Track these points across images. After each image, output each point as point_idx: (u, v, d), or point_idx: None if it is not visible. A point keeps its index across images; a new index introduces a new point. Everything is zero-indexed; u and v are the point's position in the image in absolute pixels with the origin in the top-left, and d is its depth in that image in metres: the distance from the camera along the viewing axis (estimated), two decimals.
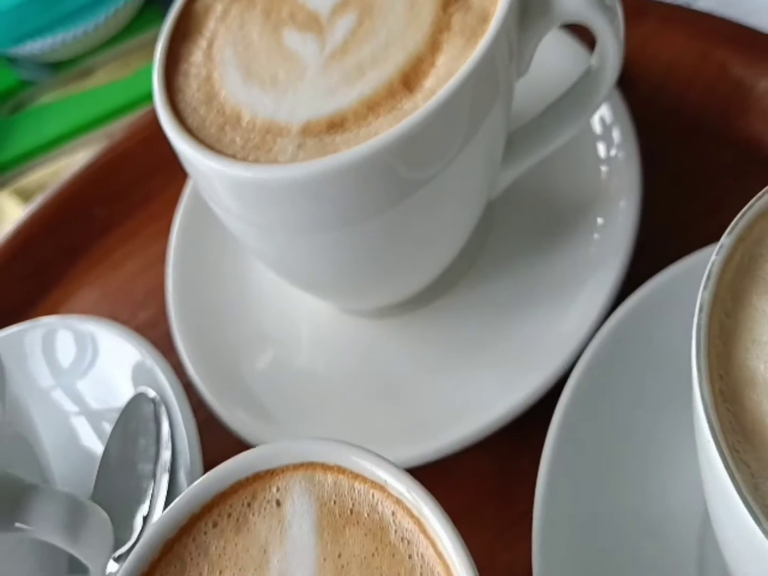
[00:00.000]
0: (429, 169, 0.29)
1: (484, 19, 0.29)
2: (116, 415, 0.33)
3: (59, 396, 0.36)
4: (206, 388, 0.36)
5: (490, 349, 0.34)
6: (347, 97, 0.29)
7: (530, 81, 0.33)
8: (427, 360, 0.35)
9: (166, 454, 0.31)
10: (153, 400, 0.33)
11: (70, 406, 0.36)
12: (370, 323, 0.37)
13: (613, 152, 0.36)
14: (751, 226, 0.23)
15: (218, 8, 0.33)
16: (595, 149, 0.37)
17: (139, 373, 0.34)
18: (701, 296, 0.22)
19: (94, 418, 0.35)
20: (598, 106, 0.33)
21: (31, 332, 0.37)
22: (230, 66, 0.31)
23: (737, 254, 0.23)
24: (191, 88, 0.31)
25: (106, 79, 0.55)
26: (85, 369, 0.35)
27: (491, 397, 0.32)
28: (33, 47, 0.53)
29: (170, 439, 0.32)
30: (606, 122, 0.37)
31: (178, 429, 0.32)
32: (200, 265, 0.39)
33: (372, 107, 0.28)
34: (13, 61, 0.56)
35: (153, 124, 0.34)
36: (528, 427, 0.31)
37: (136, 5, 0.55)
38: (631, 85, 0.39)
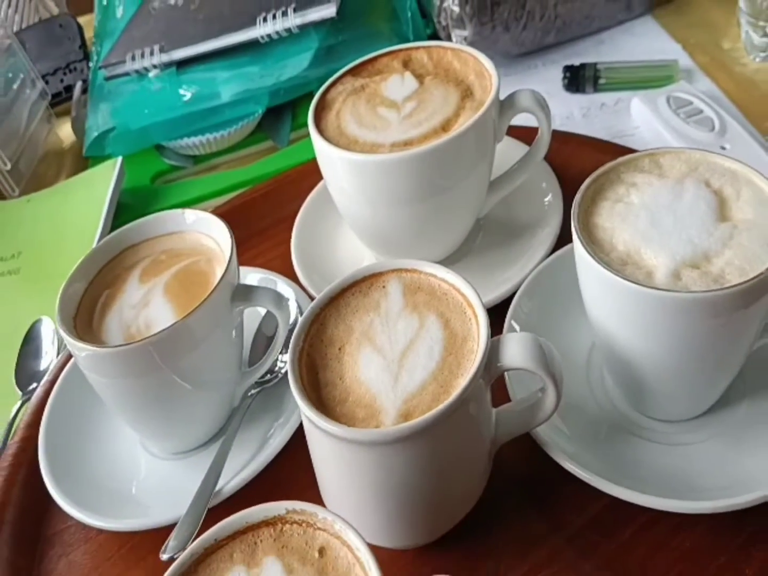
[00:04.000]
0: (452, 178, 0.58)
1: (481, 104, 0.58)
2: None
3: None
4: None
5: None
6: (413, 133, 0.57)
7: (502, 159, 0.63)
8: None
9: None
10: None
11: None
12: None
13: (544, 185, 0.65)
14: (595, 179, 0.50)
15: (339, 101, 0.63)
16: (539, 188, 0.66)
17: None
18: (575, 202, 0.49)
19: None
20: (538, 163, 0.62)
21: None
22: (351, 122, 0.60)
23: (589, 191, 0.50)
24: (328, 127, 0.60)
25: (226, 170, 0.85)
26: None
27: None
28: (183, 143, 0.83)
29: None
30: (543, 174, 0.66)
31: None
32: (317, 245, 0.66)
33: (427, 137, 0.57)
34: (160, 150, 0.86)
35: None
36: None
37: (251, 126, 0.86)
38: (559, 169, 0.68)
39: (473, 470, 0.45)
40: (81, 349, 0.46)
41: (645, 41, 0.91)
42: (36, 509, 0.52)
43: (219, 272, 0.49)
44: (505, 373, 0.50)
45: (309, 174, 0.71)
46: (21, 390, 0.60)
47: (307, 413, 0.41)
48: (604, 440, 0.49)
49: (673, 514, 0.44)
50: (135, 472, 0.53)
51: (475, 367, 0.41)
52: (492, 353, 0.43)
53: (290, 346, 0.44)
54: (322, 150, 0.58)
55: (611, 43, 0.93)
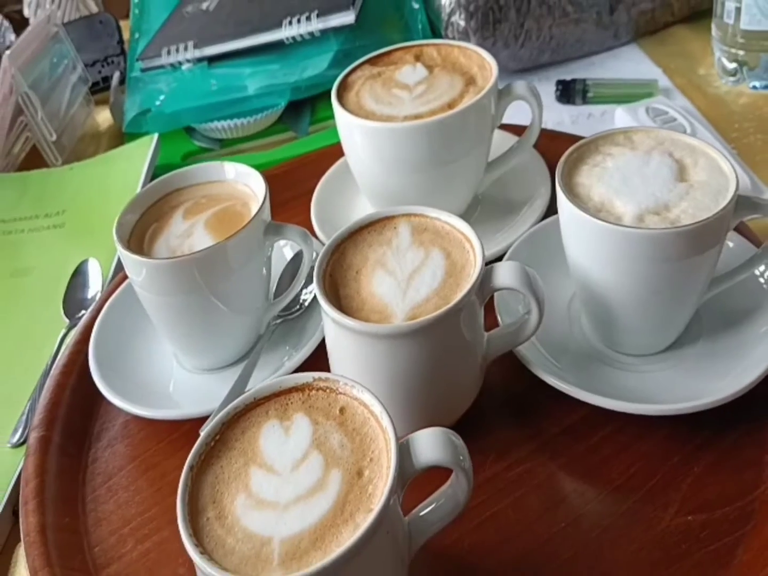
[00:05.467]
0: (455, 151, 0.67)
1: (482, 89, 0.68)
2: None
3: None
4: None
5: None
6: (423, 109, 0.66)
7: (498, 149, 0.72)
8: None
9: None
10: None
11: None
12: None
13: (535, 170, 0.74)
14: (576, 148, 0.59)
15: (358, 83, 0.72)
16: (530, 172, 0.75)
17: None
18: (560, 165, 0.58)
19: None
20: (530, 146, 0.72)
21: None
22: (369, 99, 0.69)
23: (571, 157, 0.59)
24: (349, 102, 0.69)
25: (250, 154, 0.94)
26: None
27: None
28: (212, 126, 0.92)
29: None
30: (534, 161, 0.75)
31: None
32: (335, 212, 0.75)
33: (434, 113, 0.66)
34: (190, 132, 0.95)
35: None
36: None
37: (274, 116, 0.95)
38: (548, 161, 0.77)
39: (467, 374, 0.53)
40: (135, 262, 0.54)
41: (630, 65, 1.02)
42: (84, 409, 0.60)
43: (254, 212, 0.57)
44: (495, 302, 0.58)
45: (327, 157, 0.80)
46: (68, 318, 0.68)
47: (331, 314, 0.49)
48: (579, 366, 0.57)
49: (635, 425, 0.53)
50: (170, 381, 0.61)
51: (471, 283, 0.50)
52: (486, 276, 0.51)
53: (315, 268, 0.53)
54: (344, 120, 0.67)
55: (600, 64, 1.03)
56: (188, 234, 0.58)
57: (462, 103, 0.65)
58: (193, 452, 0.41)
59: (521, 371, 0.55)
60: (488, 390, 0.55)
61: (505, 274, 0.52)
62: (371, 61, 0.73)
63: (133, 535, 0.51)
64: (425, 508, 0.44)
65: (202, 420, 0.54)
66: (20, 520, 0.51)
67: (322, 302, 0.50)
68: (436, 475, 0.42)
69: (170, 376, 0.61)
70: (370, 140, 0.66)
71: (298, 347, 0.60)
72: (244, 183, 0.62)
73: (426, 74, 0.70)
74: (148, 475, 0.55)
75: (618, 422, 0.53)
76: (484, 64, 0.69)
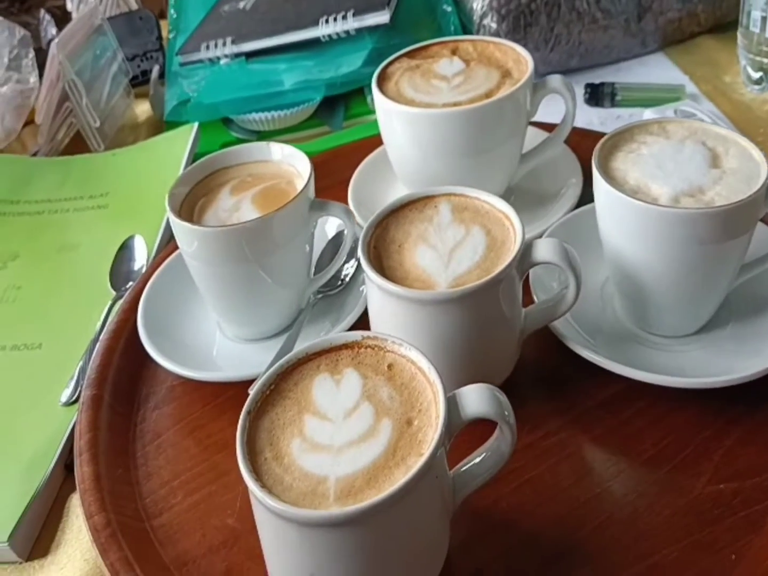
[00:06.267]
0: (491, 140, 0.69)
1: (518, 81, 0.70)
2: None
3: None
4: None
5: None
6: (461, 98, 0.69)
7: (530, 144, 0.75)
8: None
9: None
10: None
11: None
12: None
13: (567, 165, 0.76)
14: (612, 136, 0.62)
15: (397, 74, 0.74)
16: (562, 166, 0.77)
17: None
18: (596, 150, 0.60)
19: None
20: (563, 138, 0.74)
21: None
22: (408, 88, 0.71)
23: (607, 144, 0.61)
24: (389, 91, 0.71)
25: None
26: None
27: None
28: (249, 118, 0.95)
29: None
30: (566, 156, 0.78)
31: None
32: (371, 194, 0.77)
33: (473, 101, 0.68)
34: (227, 124, 0.98)
35: None
36: None
37: (309, 110, 0.97)
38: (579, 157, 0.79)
39: (506, 345, 0.55)
40: (187, 230, 0.57)
41: (657, 71, 1.04)
42: (132, 372, 0.62)
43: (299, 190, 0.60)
44: (530, 281, 0.60)
45: (362, 148, 0.82)
46: (115, 290, 0.71)
47: (376, 281, 0.51)
48: (613, 344, 0.58)
49: (667, 400, 0.54)
50: (214, 348, 0.63)
51: (512, 256, 0.52)
52: (525, 251, 0.53)
53: (360, 239, 0.55)
54: (384, 107, 0.69)
55: (627, 70, 1.05)
56: (236, 208, 0.60)
57: (499, 93, 0.67)
58: (250, 399, 0.43)
59: (556, 347, 0.57)
60: (524, 364, 0.57)
61: (544, 249, 0.53)
62: (409, 55, 0.76)
63: (183, 488, 0.53)
64: (469, 463, 0.46)
65: (244, 387, 0.55)
66: (75, 470, 0.53)
67: (368, 271, 0.52)
68: (476, 439, 0.44)
69: (214, 343, 0.63)
70: (409, 126, 0.68)
71: (337, 323, 0.62)
72: (289, 163, 0.64)
73: (463, 67, 0.72)
74: (195, 435, 0.57)
75: (650, 397, 0.55)
76: (520, 58, 0.72)
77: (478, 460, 0.45)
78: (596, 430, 0.54)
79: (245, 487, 0.51)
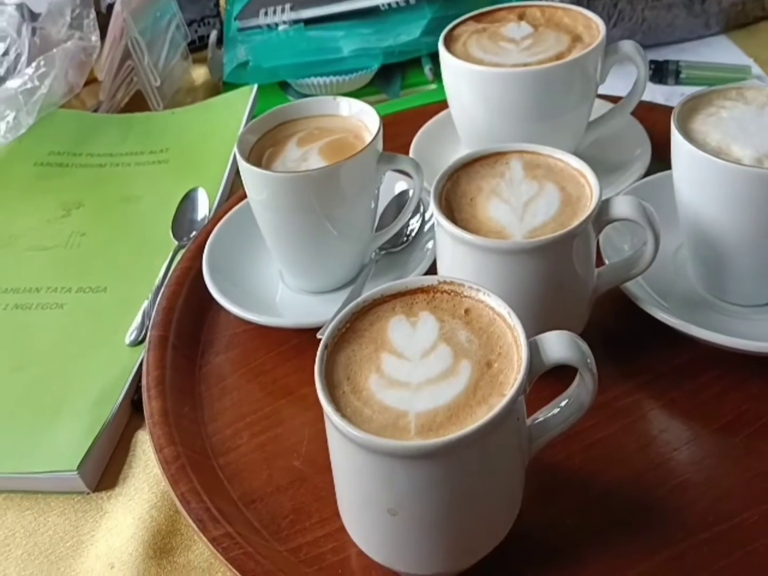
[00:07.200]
0: (559, 104, 0.67)
1: (589, 45, 0.68)
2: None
3: None
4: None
5: None
6: (531, 59, 0.67)
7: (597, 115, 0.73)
8: None
9: None
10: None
11: None
12: None
13: (634, 135, 0.75)
14: (690, 99, 0.60)
15: (464, 36, 0.73)
16: (629, 136, 0.75)
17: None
18: (674, 112, 0.58)
19: None
20: (632, 106, 0.72)
21: None
22: (476, 49, 0.70)
23: (685, 107, 0.59)
24: (456, 51, 0.70)
25: None
26: None
27: None
28: (307, 82, 0.94)
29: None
30: (633, 127, 0.76)
31: None
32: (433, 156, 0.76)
33: (542, 63, 0.67)
34: (284, 88, 0.97)
35: None
36: None
37: (367, 78, 0.97)
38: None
39: (578, 302, 0.54)
40: (256, 175, 0.56)
41: (720, 53, 1.02)
42: (196, 317, 0.62)
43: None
44: (600, 242, 0.59)
45: (422, 114, 0.81)
46: (177, 240, 0.71)
47: (450, 230, 0.50)
48: (687, 309, 0.56)
49: (744, 367, 0.53)
50: (276, 296, 0.63)
51: (589, 211, 0.51)
52: (602, 208, 0.52)
53: (432, 191, 0.54)
54: (452, 66, 0.68)
55: (690, 51, 1.03)
56: (303, 159, 0.60)
57: (570, 56, 0.66)
58: (327, 334, 0.42)
59: (627, 311, 0.56)
60: (594, 325, 0.55)
61: (623, 205, 0.52)
62: (475, 18, 0.74)
63: (248, 429, 0.53)
64: (547, 412, 0.45)
65: (307, 336, 0.55)
66: (144, 405, 0.53)
67: (442, 220, 0.51)
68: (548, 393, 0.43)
69: (276, 293, 0.63)
70: (477, 86, 0.67)
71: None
72: (357, 118, 0.63)
73: (531, 30, 0.71)
74: (259, 380, 0.56)
75: (726, 364, 0.53)
76: (590, 23, 0.70)
77: (556, 410, 0.44)
78: (670, 394, 0.53)
79: (312, 432, 0.52)
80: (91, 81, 0.96)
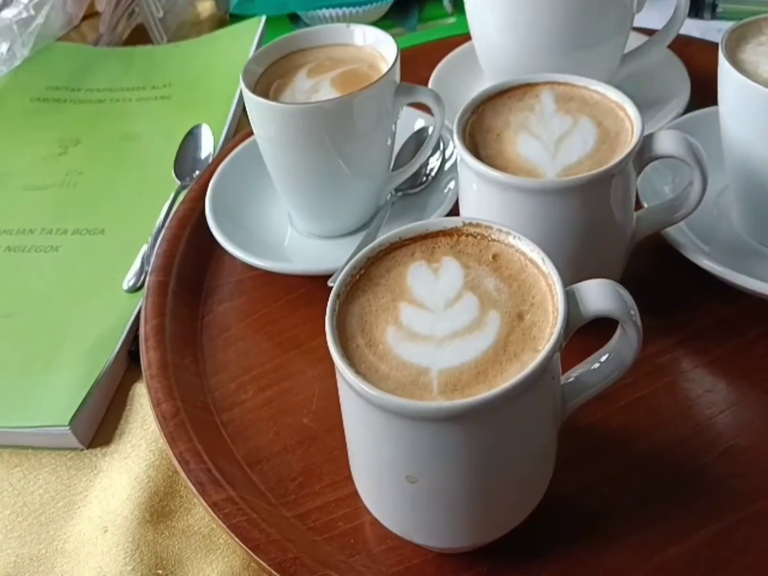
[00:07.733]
0: (593, 33, 0.62)
1: None
2: None
3: None
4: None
5: None
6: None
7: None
8: None
9: None
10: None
11: None
12: None
13: (671, 70, 0.69)
14: (739, 26, 0.54)
15: None
16: (666, 71, 0.70)
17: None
18: (722, 41, 0.53)
19: None
20: (668, 41, 0.66)
21: None
22: None
23: (734, 34, 0.54)
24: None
25: None
26: None
27: None
28: (317, 14, 0.88)
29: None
30: (670, 61, 0.70)
31: None
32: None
33: None
34: (294, 21, 0.91)
35: None
36: None
37: (382, 10, 0.91)
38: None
39: (614, 248, 0.49)
40: (263, 107, 0.51)
41: None
42: (199, 262, 0.58)
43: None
44: (639, 185, 0.53)
45: (441, 47, 0.76)
46: (180, 179, 0.66)
47: (475, 167, 0.46)
48: (732, 257, 0.52)
49: None
50: (285, 241, 0.59)
51: (630, 148, 0.46)
52: (644, 144, 0.47)
53: (455, 125, 0.49)
54: None
55: None
56: (314, 90, 0.55)
57: None
58: (338, 282, 0.38)
59: (667, 259, 0.51)
60: (632, 274, 0.51)
61: (667, 141, 0.47)
62: None
63: (254, 383, 0.49)
64: (584, 369, 0.40)
65: (317, 284, 0.51)
66: (141, 356, 0.50)
67: (466, 156, 0.46)
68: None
69: (285, 238, 0.59)
70: (504, 11, 0.62)
71: None
72: (372, 47, 0.58)
73: None
74: (266, 330, 0.53)
75: None
76: None
77: (596, 366, 0.40)
78: (716, 350, 0.48)
79: (322, 387, 0.48)
80: (92, 14, 0.91)
